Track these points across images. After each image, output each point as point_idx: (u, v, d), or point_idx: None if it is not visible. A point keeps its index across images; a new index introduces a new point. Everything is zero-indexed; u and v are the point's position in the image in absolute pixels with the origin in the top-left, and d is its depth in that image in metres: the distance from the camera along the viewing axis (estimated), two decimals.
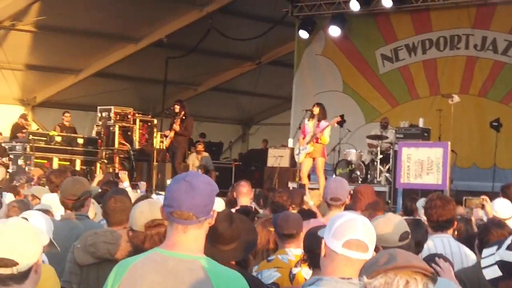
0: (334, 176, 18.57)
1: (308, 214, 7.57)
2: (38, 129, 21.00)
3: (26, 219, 5.03)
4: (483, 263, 4.21)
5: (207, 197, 3.44)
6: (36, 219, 5.31)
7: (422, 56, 21.86)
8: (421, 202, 7.82)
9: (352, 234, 3.55)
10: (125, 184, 10.82)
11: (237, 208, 8.44)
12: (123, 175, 11.33)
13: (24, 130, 20.55)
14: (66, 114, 21.44)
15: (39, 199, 8.51)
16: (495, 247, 4.21)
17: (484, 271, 4.20)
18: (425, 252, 6.26)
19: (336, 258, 3.56)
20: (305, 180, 16.49)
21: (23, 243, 3.34)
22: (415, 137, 17.31)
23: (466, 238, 6.94)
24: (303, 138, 16.58)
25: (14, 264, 3.29)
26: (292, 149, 20.37)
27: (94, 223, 6.81)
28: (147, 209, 4.97)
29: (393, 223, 4.70)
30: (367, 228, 3.61)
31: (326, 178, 16.78)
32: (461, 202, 8.96)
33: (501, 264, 4.05)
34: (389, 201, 16.36)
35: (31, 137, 19.77)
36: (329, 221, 3.70)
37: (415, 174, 15.48)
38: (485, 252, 4.29)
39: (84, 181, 6.99)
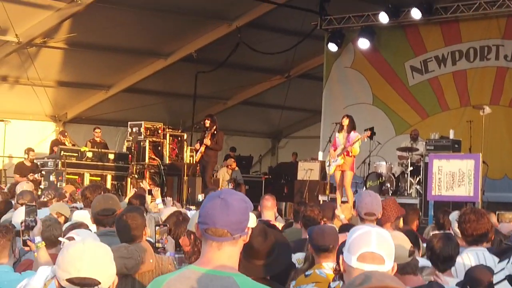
0: (364, 188, 18.57)
1: (348, 229, 7.49)
2: (74, 145, 21.12)
3: (73, 238, 5.09)
4: (495, 278, 4.14)
5: (241, 214, 3.44)
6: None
7: (452, 67, 21.78)
8: (453, 215, 7.76)
9: (365, 247, 3.52)
10: (158, 201, 10.81)
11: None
12: (156, 192, 11.32)
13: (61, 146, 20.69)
14: (97, 130, 21.57)
15: (64, 215, 8.56)
16: (505, 261, 4.14)
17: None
18: (459, 266, 6.21)
19: (353, 272, 3.52)
20: (339, 192, 16.52)
21: (105, 263, 3.40)
22: (446, 148, 17.24)
23: (501, 251, 6.88)
24: (334, 151, 16.62)
25: (97, 283, 3.36)
26: (322, 162, 20.37)
27: None
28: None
29: (400, 239, 4.66)
30: (381, 239, 3.57)
31: (355, 192, 16.88)
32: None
33: (510, 279, 3.97)
34: (420, 214, 16.27)
35: (62, 153, 19.90)
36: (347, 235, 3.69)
37: (447, 186, 15.42)
38: (498, 266, 4.22)
39: (115, 197, 7.04)
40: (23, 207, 6.63)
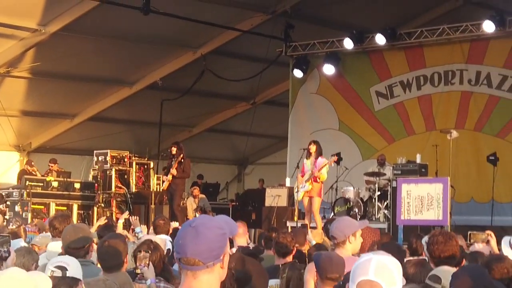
0: (332, 214, 18.64)
1: (321, 248, 7.48)
2: (44, 175, 20.98)
3: (65, 267, 5.00)
4: None
5: (212, 242, 3.37)
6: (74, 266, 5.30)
7: (417, 92, 21.92)
8: (425, 239, 7.75)
9: (363, 275, 3.51)
10: (138, 229, 10.57)
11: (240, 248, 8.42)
12: (135, 220, 11.14)
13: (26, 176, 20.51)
14: (51, 164, 21.36)
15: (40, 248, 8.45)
16: None
17: None
18: None
19: None
20: (308, 218, 16.57)
21: None
22: (413, 173, 17.34)
23: None
24: (302, 177, 16.70)
25: None
26: (290, 188, 20.40)
27: (99, 270, 6.76)
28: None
29: None
30: (381, 267, 3.53)
31: (322, 218, 16.94)
32: (465, 237, 8.90)
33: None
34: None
35: (28, 183, 19.75)
36: None
37: (415, 210, 15.49)
38: None
39: (85, 227, 6.97)
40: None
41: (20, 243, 7.05)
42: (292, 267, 6.30)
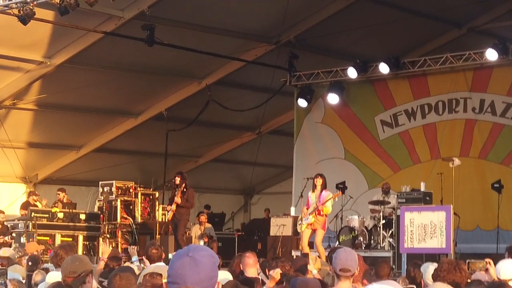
0: (337, 243, 18.63)
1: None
2: (53, 205, 21.02)
3: None
4: None
5: (211, 271, 3.39)
6: None
7: (422, 120, 21.95)
8: (424, 267, 7.78)
9: None
10: (134, 258, 10.76)
11: (240, 278, 8.42)
12: (132, 250, 11.33)
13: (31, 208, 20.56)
14: (59, 192, 21.44)
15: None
16: None
17: None
18: None
19: None
20: (306, 249, 16.55)
21: None
22: (417, 201, 17.35)
23: None
24: (307, 209, 16.73)
25: None
26: (295, 218, 20.39)
27: None
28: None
29: None
30: None
31: (327, 247, 16.91)
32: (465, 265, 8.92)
33: None
34: (394, 267, 16.28)
35: (33, 214, 19.79)
36: None
37: (419, 238, 15.47)
38: None
39: (84, 258, 6.94)
40: None
41: (15, 276, 7.06)
42: None
